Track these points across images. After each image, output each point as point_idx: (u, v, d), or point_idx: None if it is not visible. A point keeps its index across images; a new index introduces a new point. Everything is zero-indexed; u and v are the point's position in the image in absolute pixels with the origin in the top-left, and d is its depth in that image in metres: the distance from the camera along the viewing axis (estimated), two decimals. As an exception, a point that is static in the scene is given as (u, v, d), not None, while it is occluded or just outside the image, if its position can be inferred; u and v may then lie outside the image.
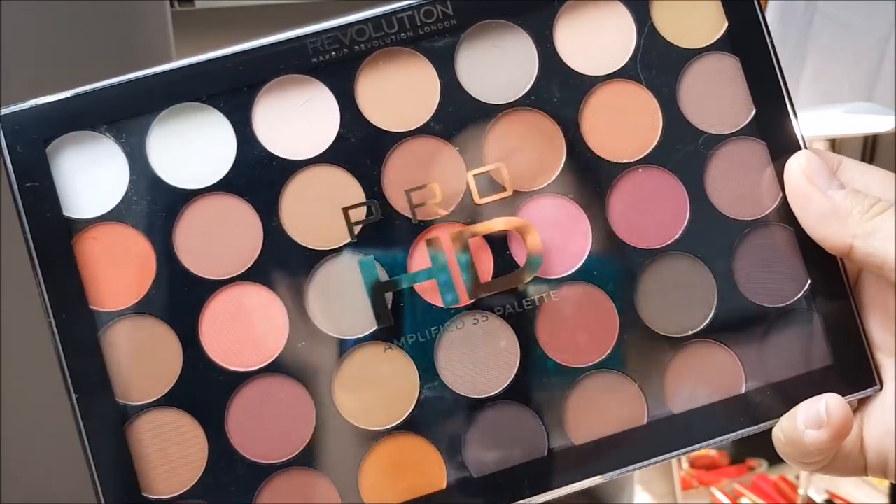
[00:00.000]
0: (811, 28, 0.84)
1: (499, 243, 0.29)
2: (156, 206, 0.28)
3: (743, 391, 0.28)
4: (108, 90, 0.28)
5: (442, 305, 0.28)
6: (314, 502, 0.27)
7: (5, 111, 0.27)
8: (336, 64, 0.29)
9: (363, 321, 0.28)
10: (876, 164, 0.30)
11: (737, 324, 0.29)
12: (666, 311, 0.29)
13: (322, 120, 0.29)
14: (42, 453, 0.44)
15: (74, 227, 0.28)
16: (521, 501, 0.27)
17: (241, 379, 0.27)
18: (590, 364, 0.28)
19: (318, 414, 0.27)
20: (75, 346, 0.27)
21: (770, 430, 0.28)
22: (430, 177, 0.29)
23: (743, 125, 0.29)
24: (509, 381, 0.28)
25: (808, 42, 0.85)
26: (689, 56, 0.30)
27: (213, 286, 0.28)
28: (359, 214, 0.28)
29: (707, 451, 1.02)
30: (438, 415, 0.28)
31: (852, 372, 0.28)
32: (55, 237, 0.27)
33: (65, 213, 0.28)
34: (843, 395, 0.27)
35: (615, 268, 0.29)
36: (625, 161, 0.29)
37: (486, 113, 0.29)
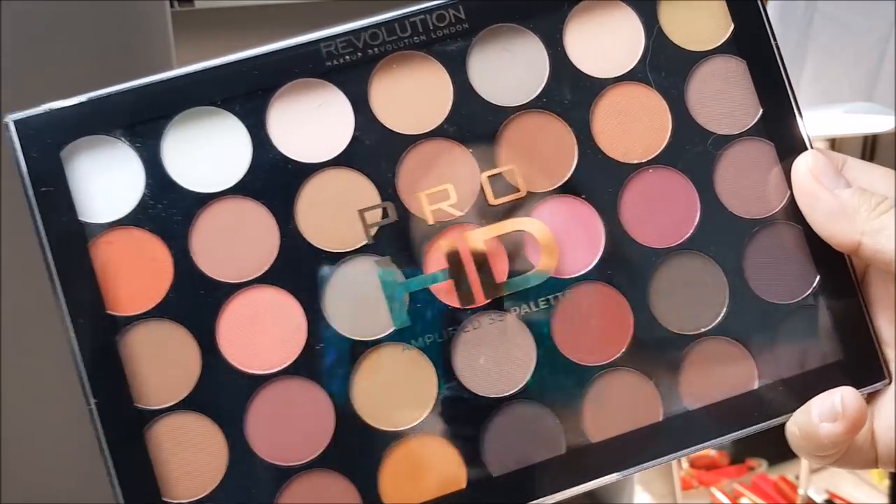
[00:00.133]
0: (811, 28, 0.85)
1: (513, 244, 0.30)
2: (172, 211, 0.29)
3: (756, 387, 0.29)
4: (122, 94, 0.29)
5: (458, 306, 0.29)
6: (334, 502, 0.28)
7: (19, 116, 0.28)
8: (350, 67, 0.30)
9: (380, 322, 0.29)
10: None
11: (748, 321, 0.30)
12: (679, 310, 0.30)
13: (336, 123, 0.30)
14: (42, 453, 0.44)
15: (90, 232, 0.28)
16: (541, 499, 0.28)
17: (260, 382, 0.28)
18: (605, 362, 0.29)
19: (336, 416, 0.28)
20: (93, 352, 0.28)
21: (777, 427, 0.29)
22: (444, 179, 0.30)
23: (750, 126, 0.31)
24: (526, 380, 0.29)
25: (808, 42, 0.87)
26: (696, 58, 0.31)
27: (231, 289, 0.29)
28: (374, 217, 0.29)
29: (707, 450, 1.04)
30: (457, 415, 0.29)
31: (862, 367, 0.29)
32: (71, 242, 0.28)
33: (80, 217, 0.28)
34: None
35: (628, 267, 0.30)
36: (635, 162, 0.30)
37: (499, 115, 0.30)
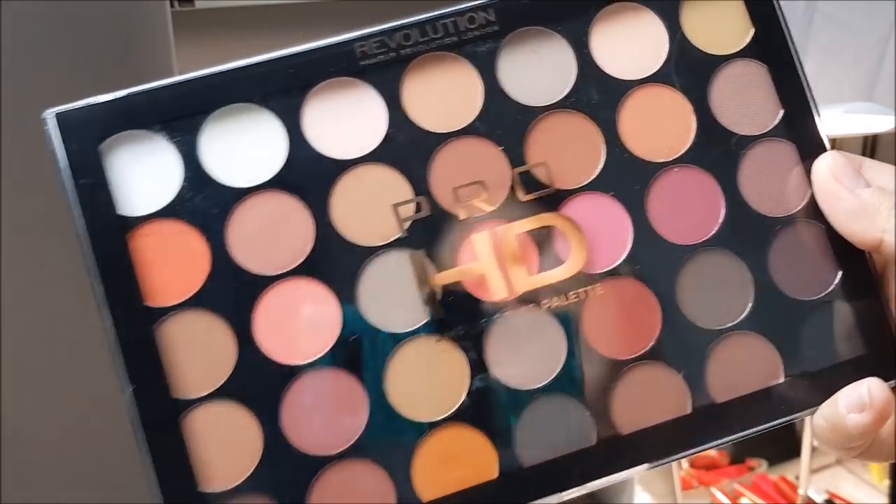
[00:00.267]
0: (811, 28, 0.87)
1: (543, 239, 0.31)
2: (209, 204, 0.30)
3: (782, 380, 0.30)
4: (161, 90, 0.29)
5: (489, 299, 0.30)
6: (367, 492, 0.29)
7: (59, 110, 0.29)
8: (383, 67, 0.31)
9: (413, 315, 0.30)
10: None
11: (773, 316, 0.31)
12: (705, 305, 0.31)
13: (370, 121, 0.31)
14: (42, 453, 0.45)
15: (128, 225, 0.29)
16: (572, 489, 0.29)
17: (295, 372, 0.29)
18: (634, 356, 0.30)
19: (370, 406, 0.29)
20: (130, 342, 0.28)
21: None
22: (475, 175, 0.31)
23: (771, 127, 0.32)
24: (556, 372, 0.30)
25: (808, 42, 0.88)
26: (718, 62, 0.32)
27: (266, 281, 0.29)
28: (407, 211, 0.30)
29: (707, 450, 1.05)
30: (489, 406, 0.29)
31: (883, 361, 0.30)
32: (110, 234, 0.29)
33: (118, 210, 0.29)
34: (879, 382, 0.29)
35: (656, 263, 0.31)
36: (661, 161, 0.31)
37: (528, 115, 0.31)
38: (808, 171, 0.31)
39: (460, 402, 0.29)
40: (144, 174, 0.30)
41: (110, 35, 0.44)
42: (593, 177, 0.31)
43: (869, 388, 0.28)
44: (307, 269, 0.30)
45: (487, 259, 0.30)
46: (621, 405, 0.30)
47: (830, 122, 0.85)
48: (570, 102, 0.31)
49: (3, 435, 0.42)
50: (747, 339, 0.31)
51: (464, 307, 0.30)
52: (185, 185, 0.30)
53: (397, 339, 0.30)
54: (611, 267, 0.31)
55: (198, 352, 0.29)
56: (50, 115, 0.29)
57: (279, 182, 0.30)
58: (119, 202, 0.29)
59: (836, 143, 0.99)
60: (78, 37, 0.42)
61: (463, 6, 0.31)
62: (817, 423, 0.29)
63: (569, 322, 0.30)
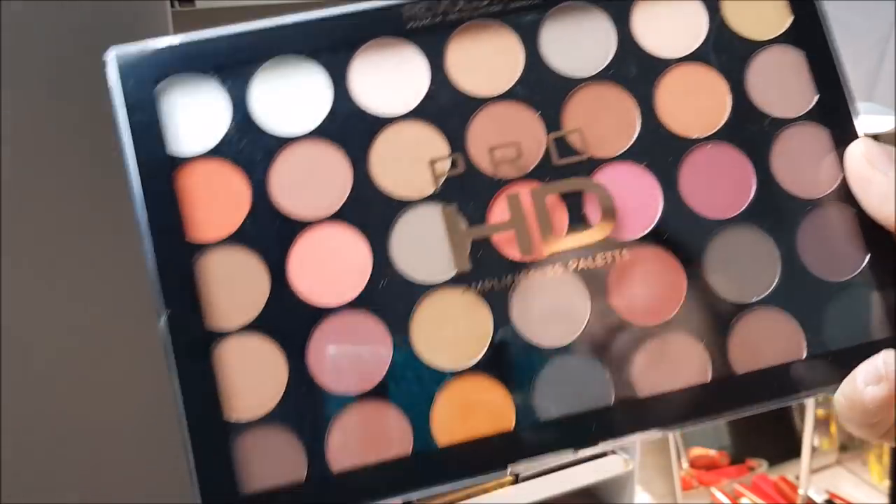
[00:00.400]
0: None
1: (574, 202, 0.31)
2: (253, 148, 0.31)
3: (804, 357, 0.31)
4: (219, 38, 0.31)
5: (518, 256, 0.31)
6: (386, 432, 0.29)
7: (120, 49, 0.31)
8: (429, 30, 0.32)
9: (442, 266, 0.31)
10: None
11: (799, 294, 0.31)
12: (732, 278, 0.31)
13: (412, 81, 0.32)
14: (42, 453, 0.45)
15: (176, 162, 0.31)
16: (587, 447, 0.29)
17: (324, 313, 0.30)
18: (657, 323, 0.31)
19: (394, 351, 0.30)
20: (171, 273, 0.30)
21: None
22: (511, 137, 0.32)
23: (806, 111, 0.33)
24: (579, 333, 0.30)
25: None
26: (756, 46, 0.33)
27: (303, 225, 0.31)
28: (443, 167, 0.31)
29: (707, 451, 1.03)
30: (510, 359, 0.30)
31: (909, 345, 0.30)
32: (158, 170, 0.31)
33: (168, 149, 0.31)
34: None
35: (684, 234, 0.31)
36: (695, 137, 0.32)
37: (566, 84, 0.32)
38: (840, 157, 0.32)
39: (482, 353, 0.30)
40: (195, 116, 0.31)
41: (111, 35, 0.43)
42: (627, 147, 0.32)
43: (884, 360, 0.28)
44: (343, 215, 0.31)
45: (518, 217, 0.31)
46: (641, 369, 0.30)
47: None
48: (609, 75, 0.32)
49: (3, 435, 0.42)
50: (771, 314, 0.31)
51: (491, 262, 0.31)
52: (232, 128, 0.31)
53: (425, 289, 0.30)
54: (640, 235, 0.31)
55: (233, 286, 0.30)
56: (111, 54, 0.31)
57: (322, 132, 0.31)
58: (169, 141, 0.31)
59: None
60: (78, 37, 0.42)
61: (510, -23, 0.33)
62: (837, 400, 0.29)
63: (594, 285, 0.31)
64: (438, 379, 0.30)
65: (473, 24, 0.32)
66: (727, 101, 0.33)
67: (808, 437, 1.01)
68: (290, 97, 0.32)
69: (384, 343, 0.30)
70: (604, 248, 0.31)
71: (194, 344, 0.29)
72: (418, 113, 0.32)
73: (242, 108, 0.31)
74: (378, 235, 0.31)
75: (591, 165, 0.32)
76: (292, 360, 0.30)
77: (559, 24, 0.33)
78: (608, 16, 0.33)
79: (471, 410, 0.30)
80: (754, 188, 0.32)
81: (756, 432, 1.03)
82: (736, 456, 1.08)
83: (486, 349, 0.30)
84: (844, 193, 0.32)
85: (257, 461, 0.29)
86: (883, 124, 0.80)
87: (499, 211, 0.31)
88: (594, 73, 0.32)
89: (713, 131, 0.32)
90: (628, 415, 0.30)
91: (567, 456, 0.29)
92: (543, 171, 0.32)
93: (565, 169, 0.32)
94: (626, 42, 0.33)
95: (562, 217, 0.31)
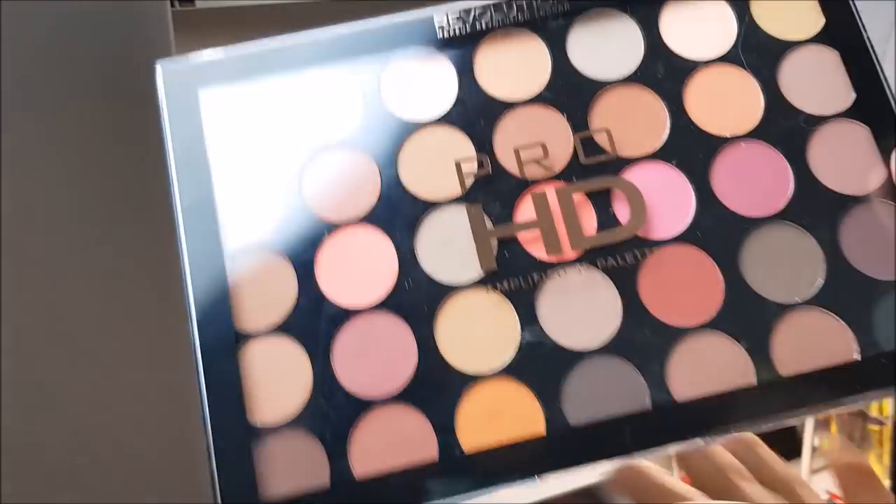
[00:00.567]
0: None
1: (602, 201, 0.31)
2: (288, 158, 0.32)
3: (855, 358, 0.29)
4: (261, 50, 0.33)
5: (545, 256, 0.30)
6: (409, 437, 0.28)
7: (165, 62, 0.32)
8: (459, 39, 0.33)
9: (468, 267, 0.30)
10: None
11: (846, 293, 0.29)
12: (772, 277, 0.30)
13: (442, 87, 0.33)
14: (42, 453, 0.45)
15: (212, 169, 0.31)
16: (623, 456, 0.28)
17: (350, 314, 0.30)
18: (694, 325, 0.29)
19: (419, 353, 0.29)
20: (203, 276, 0.30)
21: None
22: (538, 138, 0.32)
23: (843, 109, 0.32)
24: (611, 335, 0.29)
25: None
26: (788, 46, 0.33)
27: (332, 226, 0.31)
28: (470, 167, 0.31)
29: None
30: (538, 363, 0.29)
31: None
32: (194, 172, 0.31)
33: (207, 155, 0.32)
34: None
35: (719, 232, 0.30)
36: (727, 135, 0.32)
37: (594, 86, 0.32)
38: (883, 153, 0.31)
39: (509, 355, 0.29)
40: (236, 122, 0.32)
41: (111, 35, 0.45)
42: (657, 147, 0.32)
43: None
44: (371, 217, 0.31)
45: (544, 216, 0.30)
46: (678, 372, 0.29)
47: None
48: (636, 77, 0.32)
49: (3, 435, 0.42)
50: (816, 314, 0.29)
51: (518, 262, 0.30)
52: (270, 134, 0.32)
53: (450, 289, 0.30)
54: (672, 235, 0.30)
55: (262, 288, 0.30)
56: (157, 66, 0.32)
57: (353, 140, 0.32)
58: (206, 139, 0.32)
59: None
60: (78, 37, 0.42)
61: (537, -13, 0.33)
62: None
63: (625, 284, 0.30)
64: (464, 383, 0.29)
65: (502, 32, 0.33)
66: (760, 101, 0.32)
67: (809, 437, 1.03)
68: (327, 106, 0.32)
69: (409, 345, 0.29)
70: (634, 248, 0.30)
71: (222, 347, 0.29)
72: (446, 118, 0.32)
73: (281, 116, 0.32)
74: (404, 237, 0.31)
75: (620, 165, 0.31)
76: (317, 362, 0.29)
77: (586, 30, 0.33)
78: (635, 20, 0.33)
79: (498, 415, 0.29)
80: (792, 185, 0.31)
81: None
82: (737, 456, 1.05)
83: (512, 351, 0.29)
84: (890, 190, 0.30)
85: (280, 466, 0.28)
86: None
87: (525, 210, 0.31)
88: (621, 76, 0.32)
89: (747, 130, 0.32)
90: (667, 421, 0.28)
91: (602, 466, 0.28)
92: (570, 171, 0.31)
93: (593, 168, 0.31)
94: (654, 45, 0.33)
95: (590, 216, 0.31)
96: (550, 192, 0.31)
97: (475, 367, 0.29)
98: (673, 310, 0.30)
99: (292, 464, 0.28)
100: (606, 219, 0.31)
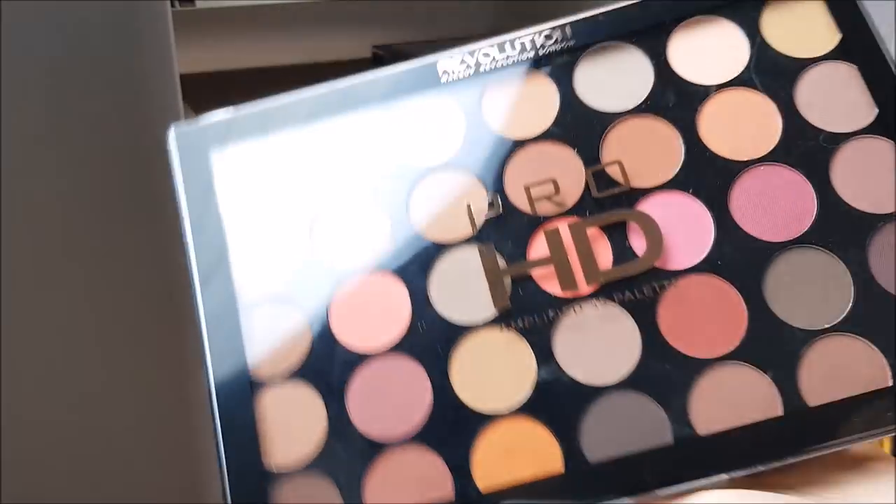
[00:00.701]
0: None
1: (617, 235, 0.31)
2: (299, 212, 0.33)
3: (891, 384, 0.27)
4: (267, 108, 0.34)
5: (560, 293, 0.30)
6: (425, 478, 0.28)
7: (178, 127, 0.34)
8: (463, 82, 0.33)
9: (482, 307, 0.30)
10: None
11: (877, 317, 0.28)
12: (798, 304, 0.29)
13: (449, 131, 0.33)
14: (42, 453, 0.46)
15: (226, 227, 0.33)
16: (645, 493, 0.27)
17: (364, 358, 0.30)
18: (716, 356, 0.29)
19: (434, 394, 0.29)
20: (218, 329, 0.31)
21: None
22: (549, 175, 0.32)
23: (866, 125, 0.31)
24: (630, 369, 0.29)
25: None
26: (803, 64, 0.32)
27: (345, 274, 0.31)
28: (480, 209, 0.32)
29: None
30: (555, 400, 0.29)
31: None
32: (211, 232, 0.33)
33: (220, 212, 0.33)
34: None
35: (742, 260, 0.30)
36: (745, 159, 0.31)
37: (604, 119, 0.32)
38: (913, 169, 0.30)
39: (525, 393, 0.29)
40: (246, 180, 0.33)
41: (111, 35, 0.45)
42: (671, 176, 0.31)
43: None
44: (382, 263, 0.31)
45: (557, 253, 0.30)
46: (701, 405, 0.28)
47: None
48: (647, 106, 0.32)
49: (3, 435, 0.43)
50: (847, 340, 0.28)
51: (532, 300, 0.30)
52: (279, 190, 0.33)
53: (464, 329, 0.30)
54: (691, 264, 0.30)
55: (276, 336, 0.31)
56: (171, 130, 0.34)
57: (362, 189, 0.33)
58: (219, 197, 0.33)
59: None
60: (79, 37, 0.43)
61: (541, 26, 0.34)
62: None
63: (644, 317, 0.29)
64: (479, 422, 0.29)
65: (507, 70, 0.33)
66: (777, 122, 0.31)
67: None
68: (336, 157, 0.33)
69: (424, 387, 0.30)
70: (652, 279, 0.30)
71: (237, 392, 0.30)
72: (455, 161, 0.33)
73: (290, 171, 0.33)
74: (417, 279, 0.31)
75: (634, 197, 0.31)
76: (332, 406, 0.30)
77: (593, 64, 0.33)
78: (642, 51, 0.33)
79: (514, 454, 0.28)
80: (815, 207, 0.30)
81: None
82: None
83: (528, 389, 0.29)
84: (922, 207, 0.29)
85: (296, 510, 0.28)
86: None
87: (539, 248, 0.31)
88: (631, 108, 0.32)
89: (765, 153, 0.31)
90: (690, 456, 0.27)
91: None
92: (583, 206, 0.31)
93: (606, 201, 0.31)
94: (664, 73, 0.33)
95: (605, 250, 0.30)
96: (563, 227, 0.31)
97: (491, 405, 0.29)
98: (694, 341, 0.29)
99: (309, 508, 0.28)
100: (622, 252, 0.30)
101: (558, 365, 0.29)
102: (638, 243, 0.30)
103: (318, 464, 0.29)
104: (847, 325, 0.28)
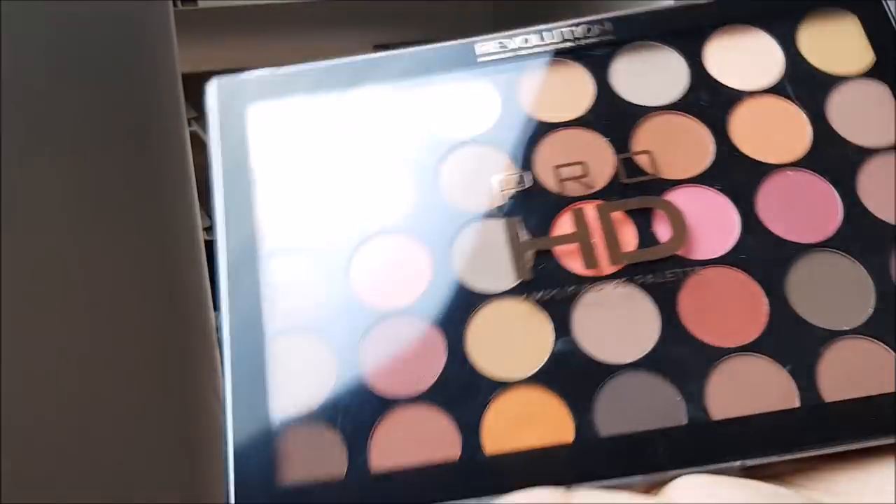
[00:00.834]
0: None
1: (643, 221, 0.31)
2: (326, 170, 0.33)
3: (908, 388, 0.27)
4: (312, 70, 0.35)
5: (582, 271, 0.30)
6: (432, 437, 0.28)
7: (219, 79, 0.34)
8: (500, 64, 0.34)
9: (503, 277, 0.30)
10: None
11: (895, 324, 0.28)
12: (820, 304, 0.29)
13: (483, 109, 0.34)
14: (42, 453, 0.45)
15: (257, 175, 0.33)
16: (655, 472, 0.27)
17: (381, 315, 0.30)
18: (736, 345, 0.29)
19: (448, 357, 0.29)
20: (238, 276, 0.31)
21: None
22: (579, 158, 0.32)
23: (894, 143, 0.31)
24: (647, 350, 0.29)
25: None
26: (836, 81, 0.33)
27: (369, 234, 0.31)
28: (509, 183, 0.32)
29: None
30: (570, 373, 0.28)
31: None
32: (242, 184, 0.33)
33: (253, 162, 0.33)
34: None
35: (765, 257, 0.30)
36: (774, 162, 0.32)
37: (637, 111, 0.33)
38: (939, 187, 0.30)
39: (540, 364, 0.29)
40: (280, 136, 0.34)
41: (113, 35, 0.46)
42: (700, 171, 0.32)
43: None
44: (407, 228, 0.31)
45: (582, 231, 0.31)
46: (717, 390, 0.28)
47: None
48: (680, 104, 0.33)
49: (3, 435, 0.42)
50: (867, 344, 0.28)
51: (554, 275, 0.30)
52: (310, 148, 0.33)
53: (483, 297, 0.30)
54: (714, 256, 0.30)
55: (296, 286, 0.31)
56: (213, 82, 0.34)
57: (393, 152, 0.33)
58: (251, 159, 0.33)
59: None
60: (80, 37, 0.43)
61: (581, 19, 0.34)
62: None
63: (664, 301, 0.29)
64: (493, 387, 0.28)
65: (545, 58, 0.34)
66: (807, 131, 0.32)
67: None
68: (370, 121, 0.34)
69: (439, 349, 0.29)
70: (675, 266, 0.30)
71: (249, 338, 0.30)
72: (487, 137, 0.33)
73: (322, 132, 0.34)
74: (440, 246, 0.31)
75: (661, 187, 0.31)
76: (343, 359, 0.29)
77: (629, 60, 0.34)
78: (679, 52, 0.34)
79: (525, 421, 0.28)
80: (841, 214, 0.30)
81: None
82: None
83: (544, 361, 0.29)
84: (948, 222, 0.30)
85: (297, 455, 0.28)
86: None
87: (563, 227, 0.31)
88: (665, 104, 0.33)
89: (793, 159, 0.32)
90: (703, 440, 0.27)
91: (631, 483, 0.27)
92: (611, 190, 0.31)
93: (634, 188, 0.31)
94: (698, 75, 0.33)
95: (629, 234, 0.31)
96: (589, 209, 0.31)
97: (505, 373, 0.29)
98: (713, 330, 0.29)
99: (310, 454, 0.28)
100: (646, 238, 0.31)
101: (576, 339, 0.29)
102: (662, 231, 0.31)
103: (325, 412, 0.28)
104: (867, 330, 0.28)
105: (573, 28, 0.34)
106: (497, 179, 0.32)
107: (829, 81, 0.33)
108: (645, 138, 0.32)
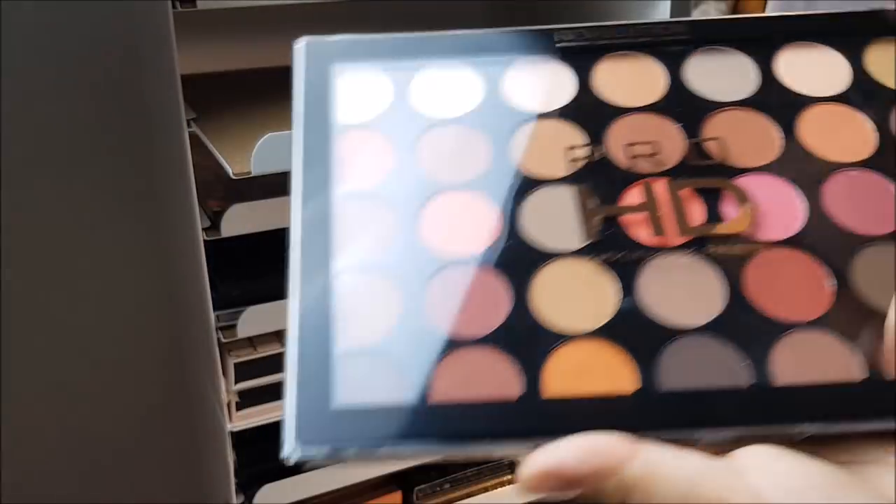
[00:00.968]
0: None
1: (711, 200, 0.32)
2: (409, 127, 0.34)
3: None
4: (393, 40, 0.36)
5: (649, 240, 0.31)
6: (493, 378, 0.28)
7: (310, 39, 0.36)
8: (578, 50, 0.36)
9: (570, 238, 0.31)
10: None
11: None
12: (882, 291, 0.29)
13: (559, 89, 0.35)
14: (42, 453, 0.44)
15: (337, 129, 0.34)
16: (714, 430, 0.26)
17: (447, 262, 0.30)
18: (800, 321, 0.29)
19: (514, 307, 0.29)
20: (312, 219, 0.32)
21: None
22: (649, 138, 0.33)
23: (960, 157, 0.32)
24: (713, 317, 0.29)
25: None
26: (901, 96, 0.34)
27: (441, 187, 0.32)
28: (581, 155, 0.33)
29: None
30: (635, 330, 0.29)
31: None
32: (320, 134, 0.34)
33: (333, 117, 0.34)
34: None
35: (830, 243, 0.30)
36: (839, 161, 0.33)
37: (709, 106, 0.34)
38: None
39: (605, 320, 0.29)
40: (361, 95, 0.35)
41: (113, 35, 0.46)
42: (769, 161, 0.33)
43: None
44: (480, 184, 0.32)
45: (651, 202, 0.31)
46: (781, 358, 0.28)
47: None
48: (750, 102, 0.34)
49: (3, 435, 0.42)
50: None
51: (622, 241, 0.31)
52: (390, 108, 0.35)
53: (550, 255, 0.30)
54: (780, 238, 0.31)
55: (364, 228, 0.31)
56: (301, 43, 0.36)
57: (469, 119, 0.34)
58: (332, 112, 0.34)
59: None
60: (80, 37, 0.44)
61: (662, 20, 0.36)
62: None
63: (731, 273, 0.30)
64: (555, 338, 0.29)
65: (622, 50, 0.36)
66: (872, 137, 0.33)
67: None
68: (449, 91, 0.35)
69: (503, 297, 0.30)
70: (741, 242, 0.30)
71: (319, 275, 0.30)
72: (561, 112, 0.34)
73: (403, 93, 0.35)
74: (510, 206, 0.32)
75: (730, 172, 0.32)
76: (409, 299, 0.30)
77: (704, 60, 0.36)
78: (751, 58, 0.35)
79: (586, 371, 0.28)
80: (905, 211, 0.31)
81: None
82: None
83: (609, 317, 0.29)
84: None
85: (357, 382, 0.28)
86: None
87: (632, 199, 0.32)
88: (736, 100, 0.34)
89: (858, 160, 0.33)
90: (765, 402, 0.27)
91: (687, 437, 0.26)
92: (680, 170, 0.32)
93: (703, 170, 0.32)
94: (769, 80, 0.35)
95: (697, 210, 0.31)
96: (659, 184, 0.32)
97: (568, 326, 0.29)
98: (778, 305, 0.29)
99: (370, 381, 0.28)
100: (714, 215, 0.31)
101: (641, 301, 0.29)
102: (729, 211, 0.31)
103: (388, 345, 0.28)
104: (931, 316, 0.29)
105: (652, 26, 0.36)
106: (569, 150, 0.33)
107: (892, 95, 0.34)
108: (715, 128, 0.34)
